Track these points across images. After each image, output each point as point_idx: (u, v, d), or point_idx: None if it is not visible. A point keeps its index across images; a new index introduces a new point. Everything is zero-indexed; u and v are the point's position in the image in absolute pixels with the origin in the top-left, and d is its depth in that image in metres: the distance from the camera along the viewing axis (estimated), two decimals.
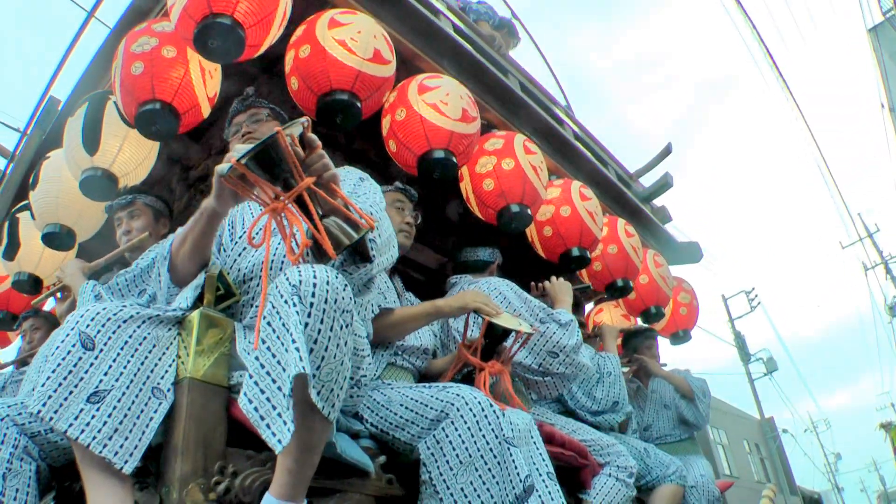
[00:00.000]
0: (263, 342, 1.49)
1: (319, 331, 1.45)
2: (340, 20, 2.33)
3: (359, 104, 2.31)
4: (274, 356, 1.46)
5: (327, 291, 1.48)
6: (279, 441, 1.38)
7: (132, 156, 2.59)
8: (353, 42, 2.28)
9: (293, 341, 1.40)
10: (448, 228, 3.25)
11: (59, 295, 2.61)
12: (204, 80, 2.38)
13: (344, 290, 1.54)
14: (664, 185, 4.07)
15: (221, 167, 1.63)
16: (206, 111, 2.43)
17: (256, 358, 1.48)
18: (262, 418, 1.42)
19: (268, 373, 1.45)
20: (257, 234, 1.93)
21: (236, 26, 2.07)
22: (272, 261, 1.89)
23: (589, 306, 4.19)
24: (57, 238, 2.80)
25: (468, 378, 2.40)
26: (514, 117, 3.10)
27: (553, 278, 2.88)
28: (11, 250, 3.04)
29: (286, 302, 1.46)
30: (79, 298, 2.20)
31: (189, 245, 1.85)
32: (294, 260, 1.61)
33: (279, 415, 1.40)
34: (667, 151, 4.13)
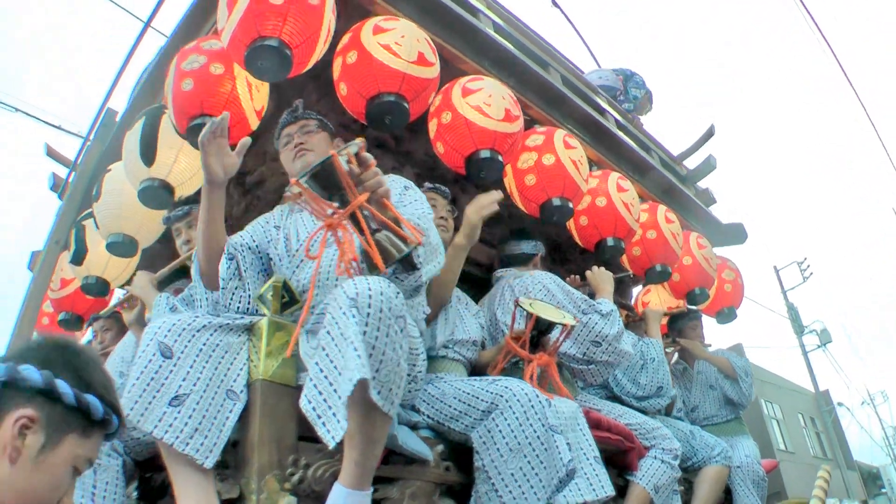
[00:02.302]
0: (323, 349, 1.68)
1: (377, 337, 1.63)
2: (384, 26, 2.49)
3: (406, 105, 2.46)
4: (332, 361, 1.64)
5: (381, 301, 1.66)
6: (332, 438, 1.56)
7: (187, 166, 2.78)
8: (398, 46, 2.44)
9: (354, 349, 1.58)
10: (494, 220, 3.41)
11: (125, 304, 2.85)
12: (251, 95, 2.56)
13: (396, 298, 1.72)
14: (708, 167, 4.16)
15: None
16: (253, 124, 2.60)
17: (317, 363, 1.68)
18: (319, 417, 1.60)
19: (325, 376, 1.64)
20: (313, 245, 2.12)
21: (283, 47, 2.24)
22: (327, 272, 2.09)
23: (637, 289, 4.31)
24: (120, 246, 3.02)
25: (515, 368, 2.58)
26: (555, 111, 3.22)
27: (594, 268, 3.01)
28: (79, 256, 3.26)
29: (344, 314, 1.65)
30: (153, 310, 2.40)
31: (203, 238, 2.09)
32: (348, 272, 1.81)
33: (334, 414, 1.58)
34: (710, 133, 4.21)
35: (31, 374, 1.16)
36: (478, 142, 2.67)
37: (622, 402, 3.08)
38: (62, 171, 4.08)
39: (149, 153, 2.71)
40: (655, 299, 4.13)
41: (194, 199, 2.80)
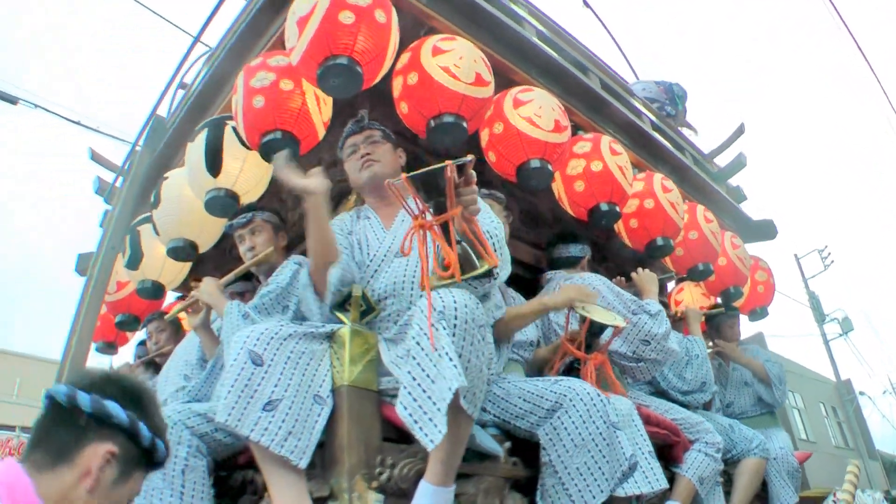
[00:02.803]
0: (414, 358, 1.85)
1: (463, 346, 1.81)
2: (442, 47, 2.63)
3: (465, 124, 2.61)
4: (423, 370, 1.82)
5: (466, 313, 1.84)
6: (431, 441, 1.74)
7: (251, 175, 2.93)
8: (457, 68, 2.58)
9: (450, 359, 1.75)
10: (541, 223, 3.56)
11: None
12: (319, 108, 2.71)
13: (477, 308, 1.90)
14: (738, 164, 4.32)
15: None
16: (321, 134, 2.75)
17: (409, 372, 1.85)
18: (416, 422, 1.78)
19: (419, 384, 1.81)
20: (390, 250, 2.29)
21: (354, 65, 2.38)
22: (402, 282, 2.26)
23: (670, 285, 4.47)
24: (181, 251, 3.17)
25: (571, 367, 2.75)
26: (597, 116, 3.38)
27: (639, 270, 3.18)
28: (135, 260, 3.43)
29: (433, 325, 1.82)
30: (225, 318, 2.53)
31: (318, 250, 2.21)
32: (423, 278, 1.96)
33: (430, 419, 1.76)
34: (740, 131, 4.37)
35: (118, 412, 1.30)
36: (529, 152, 2.82)
37: (667, 397, 3.26)
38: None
39: (215, 164, 2.85)
40: (688, 298, 4.30)
41: (255, 207, 2.97)
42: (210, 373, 2.80)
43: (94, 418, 1.29)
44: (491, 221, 2.26)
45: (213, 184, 2.87)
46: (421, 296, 2.20)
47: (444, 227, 1.94)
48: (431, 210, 1.97)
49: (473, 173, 1.95)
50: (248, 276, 3.09)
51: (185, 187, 3.15)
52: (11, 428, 7.80)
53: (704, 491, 2.87)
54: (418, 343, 1.85)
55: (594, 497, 2.10)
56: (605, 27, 4.35)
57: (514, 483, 2.29)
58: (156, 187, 3.29)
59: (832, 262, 21.94)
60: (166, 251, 3.22)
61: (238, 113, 2.67)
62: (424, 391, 1.79)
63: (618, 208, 3.11)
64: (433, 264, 1.97)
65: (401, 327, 2.11)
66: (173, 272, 3.50)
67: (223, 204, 2.88)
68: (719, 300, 4.08)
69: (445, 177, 1.87)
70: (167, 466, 2.17)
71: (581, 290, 2.57)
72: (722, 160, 4.50)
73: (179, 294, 4.08)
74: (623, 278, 3.24)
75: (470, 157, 1.93)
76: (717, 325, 4.12)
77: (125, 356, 3.40)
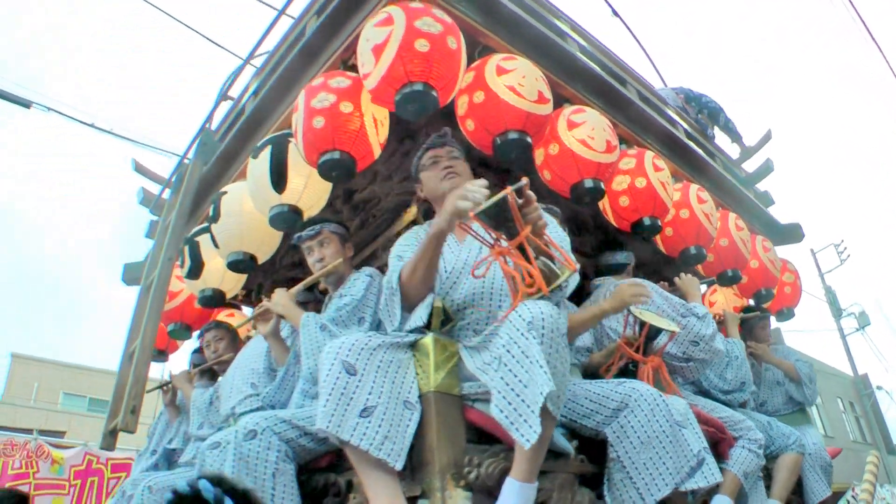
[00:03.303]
0: (505, 365, 2.04)
1: (550, 354, 2.00)
2: (505, 66, 2.82)
3: (529, 141, 2.80)
4: (515, 376, 2.01)
5: (552, 323, 2.04)
6: (527, 440, 1.92)
7: (314, 192, 3.12)
8: (521, 87, 2.77)
9: (540, 366, 1.95)
10: (584, 230, 3.76)
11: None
12: (376, 129, 2.89)
13: (559, 318, 2.09)
14: (766, 170, 4.55)
15: (462, 205, 2.11)
16: (376, 154, 2.92)
17: (502, 378, 2.04)
18: (512, 423, 1.96)
19: (511, 389, 2.00)
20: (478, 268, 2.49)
21: (430, 90, 2.57)
22: (480, 293, 2.45)
23: (702, 288, 4.69)
24: (241, 264, 3.35)
25: (625, 370, 2.95)
26: (636, 127, 3.58)
27: (682, 275, 3.39)
28: (196, 270, 3.61)
29: (523, 335, 2.02)
30: (303, 329, 2.71)
31: (421, 270, 2.34)
32: (512, 295, 2.17)
33: (524, 420, 1.94)
34: (767, 137, 4.59)
35: None
36: (583, 172, 3.03)
37: (709, 397, 3.48)
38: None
39: (280, 181, 3.03)
40: (721, 299, 4.52)
41: (320, 219, 3.13)
42: (282, 380, 2.98)
43: None
44: (557, 233, 2.45)
45: (278, 200, 3.04)
46: (500, 307, 2.42)
47: (521, 248, 2.14)
48: (504, 236, 2.17)
49: (531, 193, 2.15)
50: (310, 287, 3.27)
51: (245, 202, 3.32)
52: (29, 431, 7.93)
53: (748, 485, 3.09)
54: (509, 351, 2.04)
55: (660, 490, 2.28)
56: (635, 37, 4.52)
57: (582, 478, 2.47)
58: (213, 201, 3.45)
59: (848, 256, 21.96)
60: (227, 264, 3.39)
61: (298, 131, 2.84)
62: (518, 395, 1.98)
63: (659, 222, 3.33)
64: (518, 281, 2.17)
65: (486, 336, 2.29)
66: (233, 280, 3.68)
67: (287, 219, 3.06)
68: (751, 301, 4.30)
69: (510, 204, 2.08)
70: (258, 471, 2.37)
71: (632, 287, 2.76)
72: (749, 165, 4.72)
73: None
74: (666, 283, 3.44)
75: (524, 181, 2.12)
76: (749, 326, 4.34)
77: (175, 364, 3.56)
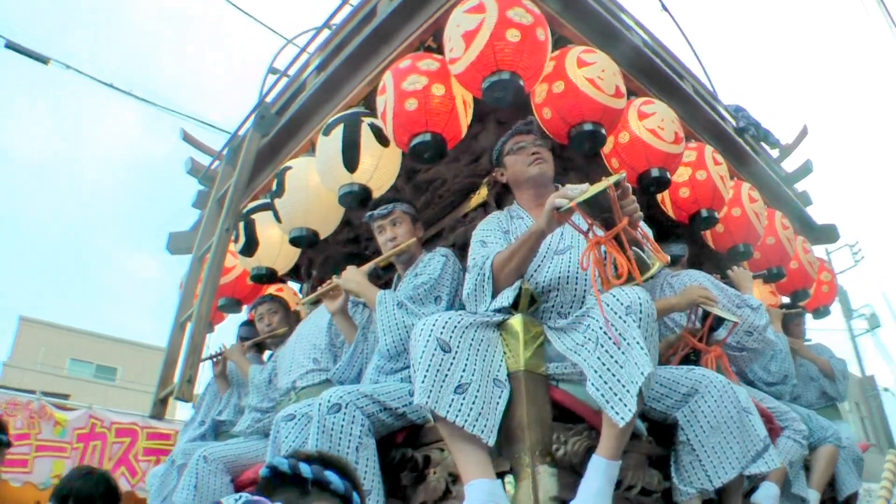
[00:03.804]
0: (602, 346, 2.16)
1: (646, 337, 2.13)
2: (586, 59, 2.92)
3: (604, 133, 2.91)
4: (612, 357, 2.13)
5: (647, 307, 2.17)
6: (622, 418, 2.04)
7: (385, 172, 3.20)
8: (600, 80, 2.87)
9: (641, 347, 2.07)
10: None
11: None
12: (465, 111, 2.99)
13: (652, 304, 2.21)
14: (805, 170, 4.70)
15: (560, 202, 2.23)
16: (464, 133, 3.02)
17: (598, 358, 2.15)
18: (608, 402, 2.09)
19: (608, 369, 2.12)
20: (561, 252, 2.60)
21: (518, 79, 2.66)
22: (566, 276, 2.56)
23: None
24: (304, 239, 3.42)
25: (686, 359, 3.07)
26: (693, 121, 3.68)
27: (735, 268, 3.52)
28: (251, 248, 3.67)
29: (621, 318, 2.14)
30: (379, 306, 2.78)
31: (516, 262, 2.46)
32: (604, 282, 2.28)
33: (619, 399, 2.07)
34: (804, 133, 4.72)
35: (337, 481, 1.42)
36: (652, 161, 3.14)
37: (754, 388, 3.62)
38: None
39: (352, 160, 3.10)
40: (757, 294, 4.65)
41: (391, 199, 3.19)
42: (351, 357, 3.07)
43: (314, 484, 1.43)
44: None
45: (349, 178, 3.12)
46: (585, 291, 2.53)
47: (616, 238, 2.26)
48: (601, 225, 2.29)
49: (629, 185, 2.26)
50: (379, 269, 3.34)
51: (311, 177, 3.40)
52: (33, 392, 7.97)
53: (793, 474, 3.24)
54: (605, 332, 2.16)
55: (727, 473, 2.41)
56: (683, 33, 4.62)
57: (650, 459, 2.59)
58: (277, 175, 3.51)
59: (863, 257, 21.92)
60: (289, 239, 3.44)
61: (387, 113, 2.92)
62: (613, 375, 2.09)
63: (717, 214, 3.45)
64: (609, 270, 2.29)
65: (575, 319, 2.40)
66: (287, 258, 3.76)
67: (358, 198, 3.14)
68: (784, 299, 4.45)
69: (609, 196, 2.19)
70: (342, 444, 2.46)
71: (703, 292, 2.88)
72: (787, 164, 4.86)
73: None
74: (718, 275, 3.57)
75: (623, 174, 2.24)
76: (786, 322, 4.49)
77: (222, 336, 3.63)
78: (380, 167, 3.17)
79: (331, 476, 1.41)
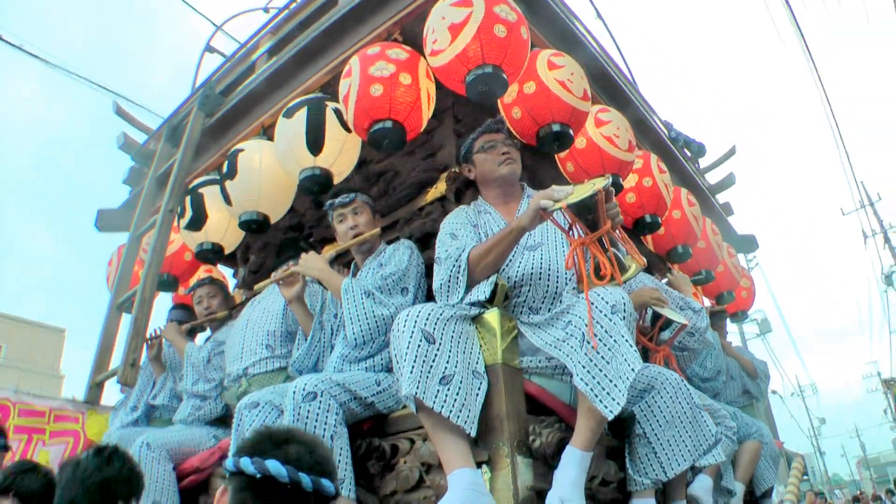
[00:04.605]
0: (588, 342, 2.26)
1: (630, 335, 2.24)
2: (556, 62, 3.03)
3: (571, 134, 3.02)
4: (598, 353, 2.23)
5: (630, 307, 2.29)
6: (610, 411, 2.15)
7: (347, 158, 3.21)
8: (570, 83, 2.98)
9: (630, 345, 2.18)
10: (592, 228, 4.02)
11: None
12: (429, 105, 3.02)
13: (631, 304, 2.33)
14: (728, 182, 4.99)
15: (546, 203, 2.33)
16: (423, 126, 3.05)
17: (585, 353, 2.25)
18: (596, 395, 2.18)
19: (595, 364, 2.22)
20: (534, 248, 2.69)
21: (501, 74, 2.71)
22: (541, 272, 2.64)
23: None
24: (254, 223, 3.36)
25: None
26: (637, 131, 3.84)
27: (675, 272, 3.72)
28: (198, 222, 3.57)
29: (606, 316, 2.25)
30: (345, 294, 2.78)
31: (493, 257, 2.53)
32: (584, 281, 2.38)
33: (607, 393, 2.17)
34: (731, 153, 5.03)
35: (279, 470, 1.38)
36: (607, 167, 3.28)
37: (690, 383, 3.82)
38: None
39: (317, 144, 3.08)
40: None
41: (350, 188, 3.20)
42: (309, 346, 3.04)
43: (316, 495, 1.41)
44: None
45: (312, 162, 3.10)
46: (556, 288, 2.62)
47: (598, 239, 2.37)
48: (582, 226, 2.39)
49: (613, 190, 2.38)
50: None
51: (264, 160, 3.36)
52: None
53: (723, 468, 3.46)
54: (589, 330, 2.26)
55: (679, 465, 2.55)
56: (616, 44, 4.79)
57: (607, 451, 2.71)
58: (228, 157, 3.43)
59: (756, 264, 23.18)
60: (239, 223, 3.38)
61: (350, 97, 2.92)
62: (601, 370, 2.20)
63: (660, 220, 3.63)
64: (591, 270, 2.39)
65: (554, 314, 2.48)
66: (234, 236, 3.67)
67: (319, 182, 3.12)
68: (707, 302, 4.72)
69: (598, 200, 2.30)
70: (317, 433, 2.45)
71: (655, 294, 3.04)
72: (710, 177, 5.15)
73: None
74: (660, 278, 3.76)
75: (609, 178, 2.36)
76: (710, 323, 4.76)
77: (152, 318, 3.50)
78: (342, 152, 3.18)
79: (326, 484, 1.40)
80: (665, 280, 3.78)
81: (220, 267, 4.49)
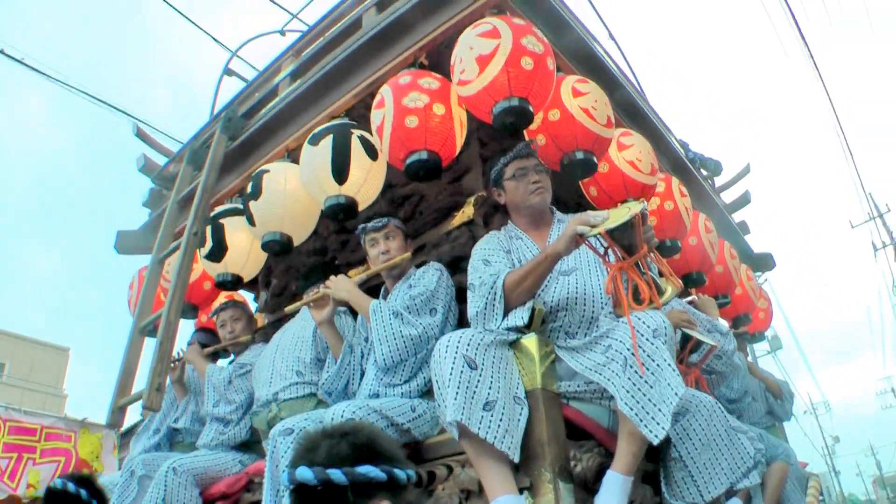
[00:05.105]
0: (630, 367, 2.28)
1: (672, 358, 2.27)
2: (580, 89, 3.07)
3: (595, 161, 3.06)
4: (641, 377, 2.25)
5: (671, 332, 2.32)
6: (655, 436, 2.18)
7: (373, 185, 3.24)
8: (594, 110, 3.03)
9: (673, 369, 2.21)
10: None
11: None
12: (461, 131, 3.06)
13: (672, 328, 2.36)
14: (744, 201, 5.04)
15: (583, 229, 2.37)
16: (456, 153, 3.08)
17: (629, 378, 2.27)
18: (640, 420, 2.21)
19: (639, 389, 2.24)
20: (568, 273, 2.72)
21: (528, 106, 2.75)
22: (577, 297, 2.67)
23: None
24: (277, 244, 3.37)
25: None
26: (660, 154, 3.91)
27: (700, 295, 3.76)
28: (218, 253, 3.61)
29: (648, 340, 2.27)
30: (374, 315, 2.82)
31: (529, 283, 2.56)
32: (624, 304, 2.40)
33: (653, 418, 2.20)
34: (746, 171, 5.07)
35: (375, 472, 1.45)
36: (630, 191, 3.35)
37: None
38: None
39: (342, 172, 3.11)
40: None
41: (387, 213, 3.26)
42: (339, 370, 3.07)
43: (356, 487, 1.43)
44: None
45: (337, 190, 3.13)
46: (593, 312, 2.65)
47: (636, 263, 2.40)
48: (620, 250, 2.42)
49: (647, 213, 2.42)
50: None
51: (290, 182, 3.39)
52: None
53: (753, 491, 3.47)
54: (633, 354, 2.29)
55: (717, 488, 2.55)
56: (629, 64, 4.83)
57: (643, 475, 2.72)
58: (253, 178, 3.46)
59: (765, 280, 23.18)
60: (262, 243, 3.39)
61: (385, 128, 2.96)
62: (644, 395, 2.22)
63: (679, 244, 3.67)
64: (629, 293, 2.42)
65: (593, 339, 2.50)
66: (254, 265, 3.72)
67: (344, 210, 3.15)
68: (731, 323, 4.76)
69: (635, 224, 2.33)
70: None
71: (685, 316, 3.07)
72: (726, 196, 5.19)
73: None
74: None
75: (645, 203, 2.40)
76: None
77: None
78: (367, 181, 3.21)
79: (364, 472, 1.44)
80: (687, 299, 3.81)
81: (241, 291, 4.51)
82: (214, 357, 3.94)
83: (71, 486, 2.69)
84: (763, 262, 5.16)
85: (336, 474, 1.40)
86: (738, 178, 5.15)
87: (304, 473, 1.42)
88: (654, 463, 2.74)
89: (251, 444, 3.55)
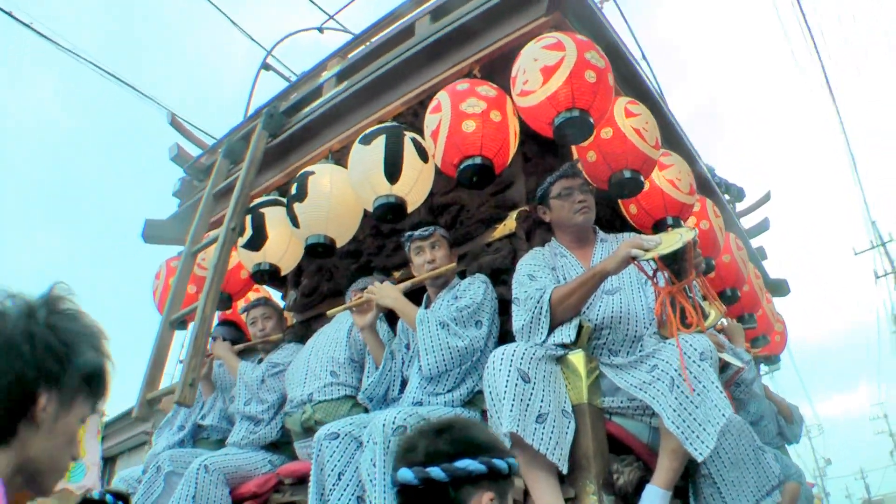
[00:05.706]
0: (678, 387, 2.38)
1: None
2: (632, 110, 3.16)
3: (643, 181, 3.15)
4: (688, 397, 2.35)
5: (716, 355, 2.41)
6: (700, 454, 2.28)
7: (423, 187, 3.28)
8: (645, 131, 3.12)
9: (720, 391, 2.32)
10: None
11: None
12: (515, 141, 3.13)
13: (716, 352, 2.46)
14: (763, 227, 5.17)
15: (637, 253, 2.47)
16: (507, 163, 3.14)
17: (675, 397, 2.37)
18: (686, 438, 2.31)
19: (685, 408, 2.34)
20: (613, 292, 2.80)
21: (589, 118, 2.83)
22: (621, 316, 2.76)
23: None
24: (321, 247, 3.39)
25: None
26: (694, 176, 4.00)
27: (730, 320, 3.86)
28: (258, 242, 3.60)
29: (696, 363, 2.38)
30: (420, 325, 2.87)
31: (575, 300, 2.66)
32: (672, 328, 2.50)
33: (698, 437, 2.30)
34: (766, 198, 5.20)
35: (474, 465, 1.49)
36: (669, 209, 3.43)
37: None
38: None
39: (394, 172, 3.14)
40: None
41: (434, 221, 3.33)
42: (381, 374, 3.13)
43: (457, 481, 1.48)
44: None
45: (388, 189, 3.16)
46: (636, 332, 2.75)
47: (688, 290, 2.51)
48: (670, 273, 2.52)
49: (697, 239, 2.52)
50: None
51: (335, 184, 3.41)
52: None
53: None
54: (680, 374, 2.38)
55: None
56: (658, 85, 4.91)
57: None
58: (298, 179, 3.48)
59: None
60: (306, 245, 3.40)
61: (441, 132, 3.01)
62: (690, 414, 2.33)
63: (713, 262, 3.77)
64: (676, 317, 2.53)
65: (639, 357, 2.60)
66: (292, 258, 3.71)
67: (393, 211, 3.18)
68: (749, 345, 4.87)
69: (687, 250, 2.44)
70: None
71: (713, 338, 3.15)
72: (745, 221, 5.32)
73: None
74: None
75: (696, 230, 2.51)
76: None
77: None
78: (418, 182, 3.24)
79: (463, 465, 1.48)
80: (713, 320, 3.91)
81: (265, 288, 4.52)
82: (241, 354, 3.96)
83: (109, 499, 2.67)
84: (779, 288, 5.28)
85: (435, 471, 1.45)
86: (758, 205, 5.29)
87: (405, 475, 1.48)
88: (684, 479, 2.84)
89: (280, 445, 3.58)
